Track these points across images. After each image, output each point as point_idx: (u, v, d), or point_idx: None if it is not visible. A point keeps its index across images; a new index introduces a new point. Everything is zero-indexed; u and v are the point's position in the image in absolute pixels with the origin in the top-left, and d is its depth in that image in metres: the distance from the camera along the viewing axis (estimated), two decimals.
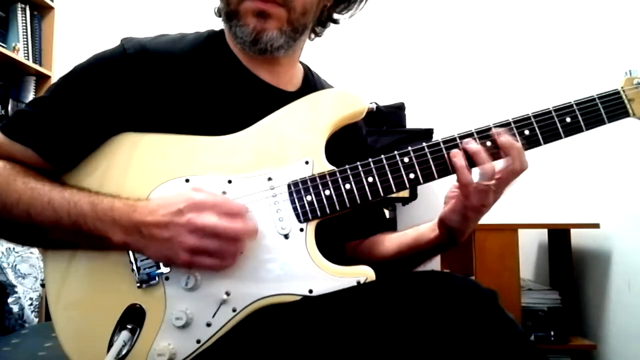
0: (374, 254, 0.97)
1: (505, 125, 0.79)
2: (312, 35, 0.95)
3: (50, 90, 0.80)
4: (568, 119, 0.80)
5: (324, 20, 0.94)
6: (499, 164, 0.78)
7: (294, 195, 0.76)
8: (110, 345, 0.72)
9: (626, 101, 0.82)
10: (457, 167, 0.77)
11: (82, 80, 0.79)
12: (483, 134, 0.79)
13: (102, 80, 0.78)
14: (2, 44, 2.37)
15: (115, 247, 0.72)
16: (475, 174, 0.78)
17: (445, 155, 0.78)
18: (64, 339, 0.75)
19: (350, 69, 2.53)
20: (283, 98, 0.84)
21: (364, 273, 0.74)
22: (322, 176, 0.77)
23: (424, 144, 0.78)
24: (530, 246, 2.35)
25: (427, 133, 2.32)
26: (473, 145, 0.77)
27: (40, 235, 0.74)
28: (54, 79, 2.52)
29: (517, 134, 0.79)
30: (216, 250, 0.69)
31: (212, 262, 0.70)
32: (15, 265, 1.71)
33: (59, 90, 0.79)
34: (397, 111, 2.44)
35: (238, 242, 0.70)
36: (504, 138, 0.77)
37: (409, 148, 0.78)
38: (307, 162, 0.78)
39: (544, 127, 0.79)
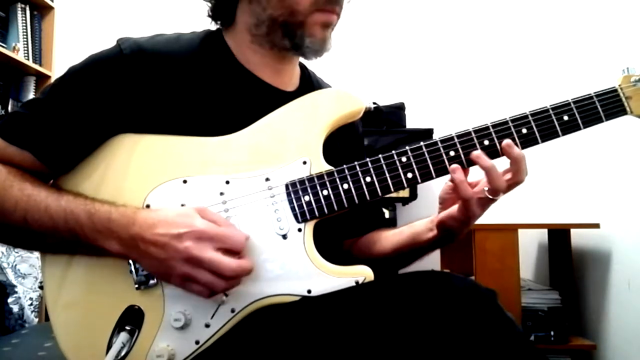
0: (370, 251, 0.97)
1: (503, 124, 0.79)
2: None
3: (46, 92, 0.79)
4: (565, 117, 0.79)
5: None
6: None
7: (292, 195, 0.76)
8: (109, 346, 0.72)
9: (624, 99, 0.81)
10: (457, 182, 0.76)
11: (79, 81, 0.78)
12: (482, 133, 0.78)
13: (98, 81, 0.77)
14: (2, 44, 2.37)
15: (113, 255, 0.72)
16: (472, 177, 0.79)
17: (446, 162, 0.78)
18: (62, 341, 0.75)
19: (350, 69, 2.53)
20: (281, 97, 0.84)
21: (363, 273, 0.74)
22: (320, 176, 0.77)
23: (422, 143, 0.78)
24: (530, 246, 2.35)
25: (427, 133, 2.32)
26: (486, 161, 0.77)
27: (38, 240, 0.74)
28: (54, 79, 2.53)
29: (514, 133, 0.78)
30: (207, 282, 0.68)
31: (201, 291, 0.69)
32: (15, 265, 1.71)
33: (55, 91, 0.79)
34: (397, 111, 2.44)
35: (231, 279, 0.69)
36: (517, 151, 0.77)
37: (407, 148, 0.78)
38: (304, 162, 0.78)
39: (542, 126, 0.79)
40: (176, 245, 0.67)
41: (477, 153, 0.77)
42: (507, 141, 0.77)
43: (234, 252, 0.70)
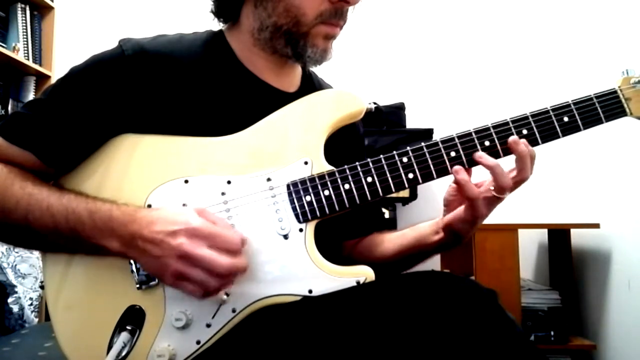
0: (372, 254, 0.97)
1: (503, 125, 0.79)
2: None
3: (47, 92, 0.79)
4: (566, 119, 0.80)
5: None
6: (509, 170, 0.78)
7: (293, 195, 0.76)
8: (110, 346, 0.72)
9: (623, 100, 0.82)
10: (462, 183, 0.77)
11: (80, 82, 0.78)
12: (482, 134, 0.79)
13: (100, 82, 0.77)
14: (2, 44, 2.37)
15: (113, 254, 0.72)
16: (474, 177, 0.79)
17: (447, 162, 0.78)
18: (63, 341, 0.75)
19: (350, 69, 2.53)
20: (283, 98, 0.84)
21: (364, 273, 0.74)
22: (321, 176, 0.77)
23: (423, 144, 0.78)
24: (530, 246, 2.35)
25: (427, 133, 2.31)
26: (489, 160, 0.77)
27: (39, 239, 0.74)
28: (54, 79, 2.52)
29: (515, 134, 0.79)
30: (200, 281, 0.67)
31: (195, 291, 0.68)
32: (15, 265, 1.71)
33: (56, 92, 0.79)
34: (397, 111, 2.44)
35: (223, 278, 0.68)
36: (523, 147, 0.77)
37: (408, 148, 0.78)
38: (306, 163, 0.78)
39: (542, 127, 0.79)
40: (170, 242, 0.67)
41: (480, 153, 0.78)
42: (513, 138, 0.78)
43: (229, 251, 0.68)
